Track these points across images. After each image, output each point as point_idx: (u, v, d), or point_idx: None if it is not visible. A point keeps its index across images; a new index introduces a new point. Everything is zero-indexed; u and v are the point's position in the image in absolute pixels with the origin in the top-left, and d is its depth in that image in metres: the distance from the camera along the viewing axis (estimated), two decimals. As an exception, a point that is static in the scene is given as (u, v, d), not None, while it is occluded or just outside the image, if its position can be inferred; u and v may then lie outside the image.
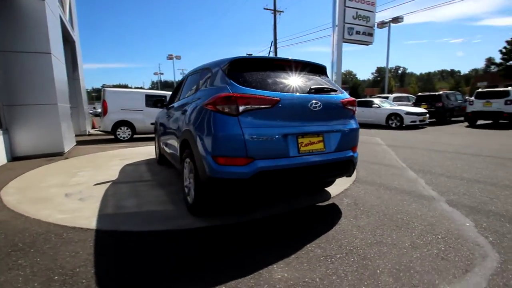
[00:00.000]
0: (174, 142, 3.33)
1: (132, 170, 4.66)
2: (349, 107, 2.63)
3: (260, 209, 2.81)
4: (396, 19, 19.13)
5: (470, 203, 2.94)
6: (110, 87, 9.30)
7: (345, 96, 2.65)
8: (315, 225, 2.49)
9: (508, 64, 22.48)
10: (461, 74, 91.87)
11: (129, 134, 9.06)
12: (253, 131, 2.11)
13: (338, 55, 18.14)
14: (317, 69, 2.78)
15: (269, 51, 27.71)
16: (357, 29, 18.93)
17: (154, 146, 6.31)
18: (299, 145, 2.29)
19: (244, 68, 2.39)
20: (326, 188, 3.45)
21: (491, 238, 2.18)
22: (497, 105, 10.69)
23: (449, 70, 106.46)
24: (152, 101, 9.21)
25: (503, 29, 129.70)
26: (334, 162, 2.48)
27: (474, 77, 51.71)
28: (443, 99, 13.07)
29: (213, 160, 2.16)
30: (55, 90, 5.86)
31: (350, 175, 2.75)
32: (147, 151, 6.74)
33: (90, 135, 11.28)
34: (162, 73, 45.86)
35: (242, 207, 2.87)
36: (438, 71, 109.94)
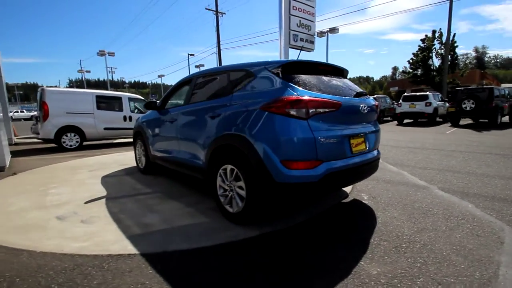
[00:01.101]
0: (194, 149, 3.07)
1: (117, 183, 4.07)
2: (377, 110, 2.89)
3: (297, 213, 2.83)
4: (333, 30, 21.35)
5: (456, 188, 3.55)
6: (46, 87, 7.74)
7: (373, 100, 2.90)
8: (358, 220, 2.66)
9: (414, 72, 27.20)
10: (375, 80, 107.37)
11: (77, 142, 7.79)
12: (321, 133, 2.15)
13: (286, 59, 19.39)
14: (344, 74, 2.96)
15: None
16: (301, 36, 20.49)
17: (125, 153, 5.63)
18: (351, 145, 2.42)
19: (293, 71, 2.40)
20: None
21: (494, 215, 2.69)
22: (419, 106, 12.96)
23: (365, 76, 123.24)
24: (105, 102, 8.18)
25: (403, 42, 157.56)
26: (372, 161, 2.69)
27: (386, 82, 61.10)
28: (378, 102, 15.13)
29: (282, 165, 2.11)
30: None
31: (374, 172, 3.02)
32: (115, 160, 5.94)
33: (16, 144, 9.26)
34: (88, 71, 40.41)
35: (279, 213, 2.84)
36: (357, 77, 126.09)
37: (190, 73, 3.71)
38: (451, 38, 26.05)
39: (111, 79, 49.55)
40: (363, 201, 3.15)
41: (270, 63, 2.44)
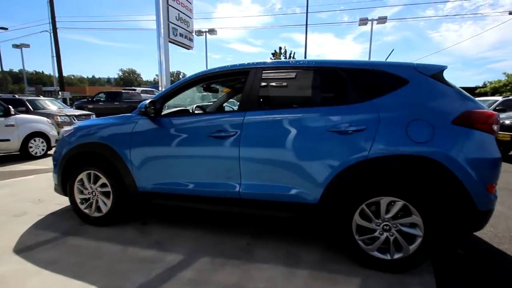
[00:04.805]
0: (291, 178, 2.05)
1: (88, 258, 2.09)
2: None
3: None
4: (212, 31, 21.11)
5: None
6: None
7: None
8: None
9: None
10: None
11: None
12: None
13: (166, 54, 17.11)
14: None
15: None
16: (180, 31, 18.87)
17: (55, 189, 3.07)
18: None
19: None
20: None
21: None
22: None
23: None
24: None
25: (244, 53, 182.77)
26: None
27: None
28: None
29: (487, 190, 1.79)
30: None
31: None
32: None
33: None
34: None
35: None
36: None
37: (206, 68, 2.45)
38: (292, 55, 32.78)
39: None
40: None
41: (423, 67, 2.00)
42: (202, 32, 21.21)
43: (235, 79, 2.74)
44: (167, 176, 2.41)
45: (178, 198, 2.42)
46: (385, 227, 1.93)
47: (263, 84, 2.27)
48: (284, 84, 2.33)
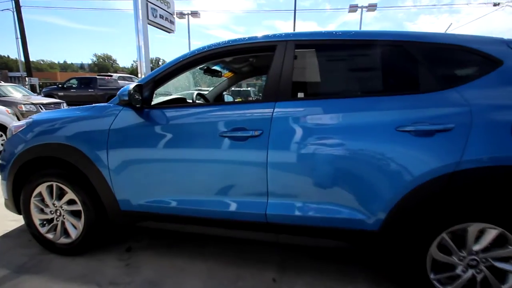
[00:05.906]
0: (338, 197, 1.48)
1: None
2: None
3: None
4: (195, 13, 19.73)
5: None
6: None
7: None
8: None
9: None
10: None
11: None
12: None
13: (145, 38, 15.67)
14: None
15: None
16: (160, 12, 17.41)
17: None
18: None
19: None
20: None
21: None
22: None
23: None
24: None
25: (221, 38, 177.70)
26: None
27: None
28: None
29: None
30: None
31: None
32: None
33: None
34: None
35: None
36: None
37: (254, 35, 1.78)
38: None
39: None
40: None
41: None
42: (184, 14, 19.81)
43: (253, 57, 2.09)
44: (161, 190, 1.75)
45: (174, 220, 1.78)
46: (470, 262, 1.42)
47: (298, 64, 1.64)
48: (328, 64, 1.71)
